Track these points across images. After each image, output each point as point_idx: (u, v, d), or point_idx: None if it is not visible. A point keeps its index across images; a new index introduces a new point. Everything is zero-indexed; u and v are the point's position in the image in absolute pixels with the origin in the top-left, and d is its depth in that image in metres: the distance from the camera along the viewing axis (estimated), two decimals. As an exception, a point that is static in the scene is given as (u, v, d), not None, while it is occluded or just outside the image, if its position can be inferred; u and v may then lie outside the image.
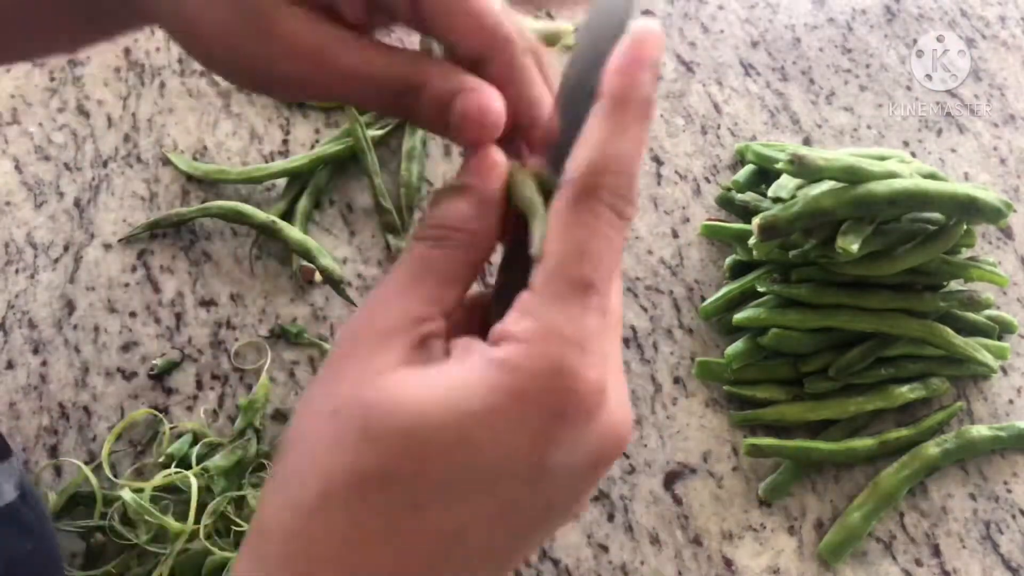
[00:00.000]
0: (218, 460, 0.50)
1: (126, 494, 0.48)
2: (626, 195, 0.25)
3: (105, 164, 0.63)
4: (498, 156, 0.27)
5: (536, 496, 0.25)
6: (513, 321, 0.24)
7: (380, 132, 0.63)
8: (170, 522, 0.48)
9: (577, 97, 0.26)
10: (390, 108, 0.30)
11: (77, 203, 0.61)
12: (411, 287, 0.26)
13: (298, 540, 0.24)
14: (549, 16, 0.67)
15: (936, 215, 0.54)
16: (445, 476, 0.23)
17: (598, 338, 0.24)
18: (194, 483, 0.48)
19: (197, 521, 0.48)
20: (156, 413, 0.53)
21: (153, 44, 0.68)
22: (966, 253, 0.58)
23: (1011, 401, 0.56)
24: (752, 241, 0.54)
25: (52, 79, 0.67)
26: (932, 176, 0.55)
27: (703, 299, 0.58)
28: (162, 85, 0.66)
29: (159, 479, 0.49)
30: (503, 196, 0.27)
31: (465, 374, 0.24)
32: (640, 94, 0.25)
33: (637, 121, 0.25)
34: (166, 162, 0.63)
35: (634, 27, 0.26)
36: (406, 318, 0.25)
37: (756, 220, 0.53)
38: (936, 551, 0.52)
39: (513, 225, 0.27)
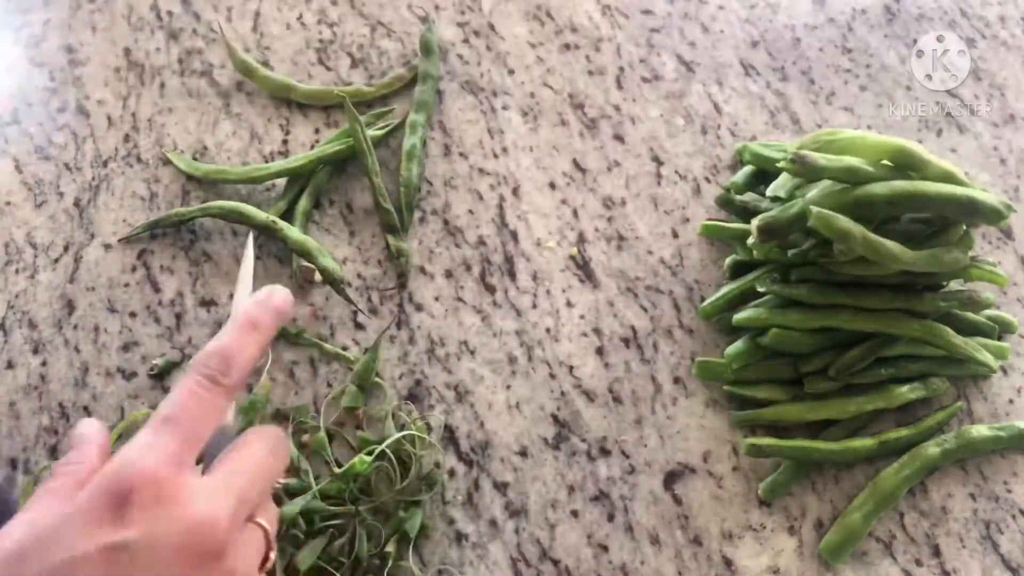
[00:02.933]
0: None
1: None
2: (220, 370, 0.35)
3: (105, 164, 0.63)
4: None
5: None
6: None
7: (380, 132, 0.63)
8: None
9: None
10: None
11: (77, 203, 0.61)
12: (60, 493, 0.34)
13: None
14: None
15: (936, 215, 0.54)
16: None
17: (165, 449, 0.32)
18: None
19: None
20: (156, 413, 0.53)
21: (153, 44, 0.68)
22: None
23: (1011, 401, 0.56)
24: (751, 241, 0.54)
25: (52, 79, 0.67)
26: (948, 175, 0.55)
27: (703, 299, 0.58)
28: (162, 85, 0.66)
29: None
30: None
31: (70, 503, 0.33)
32: (249, 319, 0.37)
33: (243, 331, 0.36)
34: (166, 162, 0.63)
35: (271, 289, 0.39)
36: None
37: (755, 221, 0.53)
38: (936, 551, 0.52)
39: None
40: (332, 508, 0.50)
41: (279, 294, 0.38)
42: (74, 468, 0.34)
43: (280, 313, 0.38)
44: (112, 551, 0.29)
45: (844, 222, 0.50)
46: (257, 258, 0.59)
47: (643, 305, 0.58)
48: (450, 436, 0.54)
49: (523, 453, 0.54)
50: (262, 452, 0.36)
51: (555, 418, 0.55)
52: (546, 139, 0.64)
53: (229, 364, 0.35)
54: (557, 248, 0.60)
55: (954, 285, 0.57)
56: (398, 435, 0.51)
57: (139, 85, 0.66)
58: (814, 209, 0.50)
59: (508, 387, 0.55)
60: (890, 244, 0.51)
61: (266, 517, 0.35)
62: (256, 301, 0.37)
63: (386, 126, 0.64)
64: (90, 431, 0.36)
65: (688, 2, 0.72)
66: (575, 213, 0.61)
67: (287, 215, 0.60)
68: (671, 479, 0.53)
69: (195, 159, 0.63)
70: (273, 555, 0.35)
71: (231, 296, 0.58)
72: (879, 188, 0.52)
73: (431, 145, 0.64)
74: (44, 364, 0.56)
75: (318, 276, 0.58)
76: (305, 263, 0.58)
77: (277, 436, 0.37)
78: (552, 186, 0.63)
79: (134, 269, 0.59)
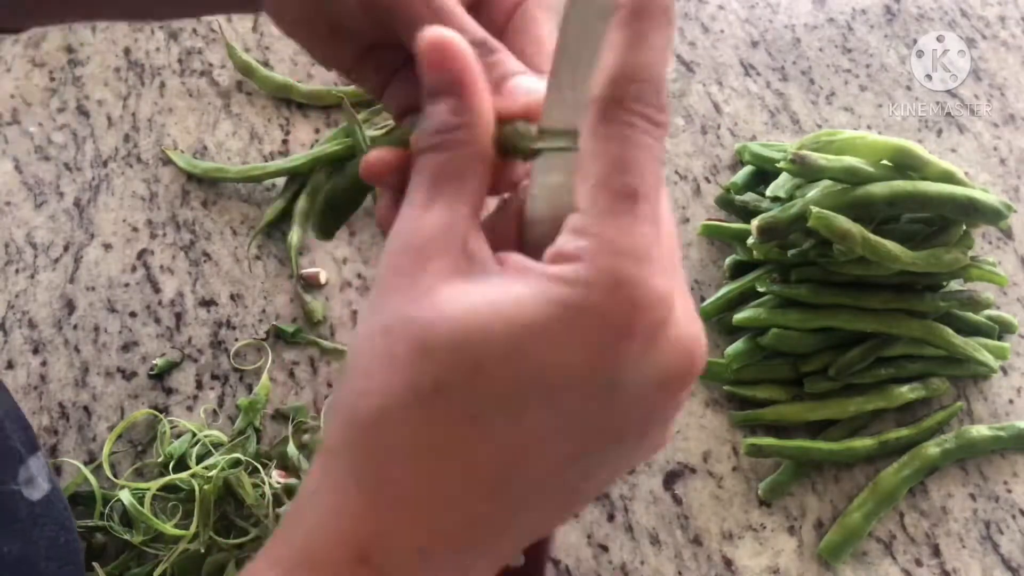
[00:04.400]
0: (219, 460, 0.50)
1: (125, 496, 0.48)
2: (656, 103, 0.24)
3: (105, 164, 0.63)
4: (452, 37, 0.26)
5: (603, 415, 0.24)
6: (564, 241, 0.23)
7: (379, 132, 0.63)
8: (165, 526, 0.48)
9: (580, 39, 0.25)
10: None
11: (77, 203, 0.61)
12: (435, 198, 0.25)
13: (363, 454, 0.24)
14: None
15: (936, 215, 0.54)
16: (502, 387, 0.23)
17: (656, 246, 0.23)
18: (197, 491, 0.48)
19: (198, 522, 0.48)
20: (156, 413, 0.53)
21: (153, 44, 0.68)
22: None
23: (1011, 401, 0.56)
24: (751, 241, 0.54)
25: (52, 79, 0.67)
26: (948, 175, 0.55)
27: (703, 299, 0.58)
28: (162, 85, 0.66)
29: (161, 482, 0.49)
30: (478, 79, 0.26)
31: (521, 288, 0.23)
32: (658, 1, 0.24)
33: (657, 29, 0.24)
34: (166, 162, 0.63)
35: None
36: (442, 229, 0.25)
37: (755, 222, 0.53)
38: (936, 551, 0.52)
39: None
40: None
41: None
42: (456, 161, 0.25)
43: None
44: (583, 388, 0.23)
45: (844, 223, 0.50)
46: (257, 258, 0.59)
47: (643, 305, 0.58)
48: (450, 436, 0.54)
49: (523, 453, 0.54)
50: (660, 154, 0.24)
51: (555, 418, 0.55)
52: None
53: (661, 93, 0.24)
54: (557, 248, 0.60)
55: (954, 285, 0.57)
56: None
57: (139, 85, 0.66)
58: (814, 209, 0.50)
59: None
60: (890, 244, 0.51)
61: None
62: None
63: (385, 126, 0.64)
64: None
65: (688, 2, 0.72)
66: (575, 213, 0.61)
67: (286, 214, 0.60)
68: (671, 479, 0.53)
69: (195, 158, 0.63)
70: None
71: (231, 296, 0.58)
72: (879, 188, 0.52)
73: (431, 145, 0.64)
74: (44, 364, 0.56)
75: (323, 278, 0.58)
76: (306, 271, 0.58)
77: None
78: (552, 186, 0.62)
79: (134, 269, 0.59)
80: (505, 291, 0.23)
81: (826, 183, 0.54)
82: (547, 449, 0.24)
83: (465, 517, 0.24)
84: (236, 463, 0.50)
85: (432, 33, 0.25)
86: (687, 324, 0.24)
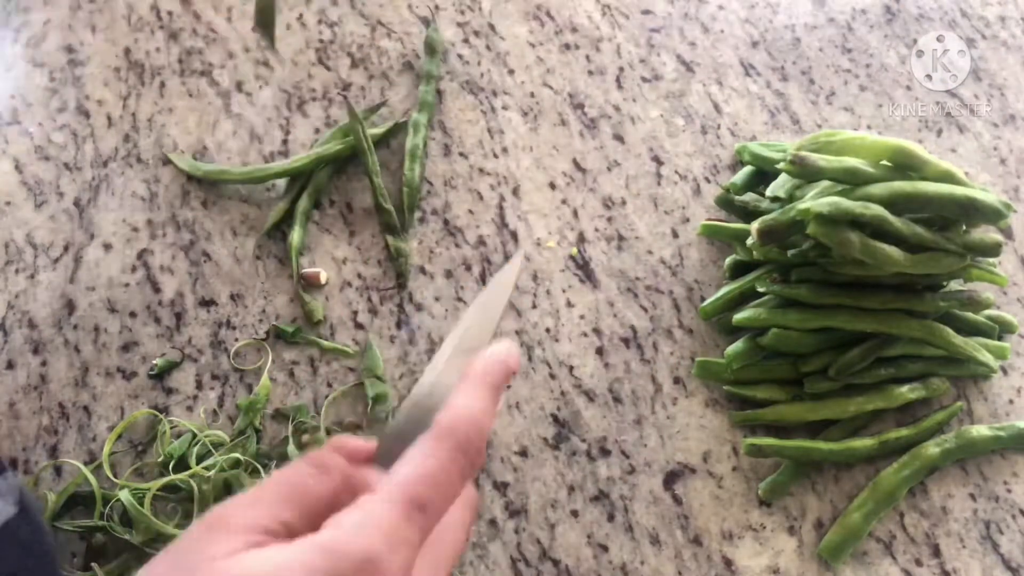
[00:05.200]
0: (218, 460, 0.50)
1: (125, 496, 0.48)
2: (477, 446, 0.29)
3: (105, 164, 0.63)
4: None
5: None
6: (345, 513, 0.27)
7: (380, 131, 0.63)
8: (165, 526, 0.48)
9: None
10: None
11: (77, 203, 0.61)
12: (275, 503, 0.28)
13: None
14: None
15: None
16: None
17: (412, 550, 0.27)
18: (196, 491, 0.48)
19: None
20: (156, 413, 0.53)
21: (153, 44, 0.68)
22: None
23: (1011, 401, 0.56)
24: (751, 242, 0.54)
25: (52, 79, 0.67)
26: (948, 175, 0.55)
27: (703, 299, 0.58)
28: (162, 85, 0.66)
29: (161, 482, 0.49)
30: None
31: (289, 553, 0.26)
32: (494, 379, 0.31)
33: (489, 393, 0.30)
34: (166, 162, 0.63)
35: (508, 345, 0.33)
36: (255, 524, 0.27)
37: (755, 225, 0.53)
38: (936, 551, 0.52)
39: None
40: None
41: (516, 354, 0.33)
42: (314, 480, 0.29)
43: (510, 375, 0.32)
44: None
45: (843, 229, 0.50)
46: (257, 258, 0.59)
47: (643, 305, 0.58)
48: (450, 436, 0.54)
49: (523, 453, 0.54)
50: (462, 533, 0.31)
51: (555, 418, 0.55)
52: (546, 139, 0.64)
53: (483, 440, 0.29)
54: (557, 248, 0.60)
55: (954, 285, 0.57)
56: (398, 435, 0.51)
57: (139, 85, 0.66)
58: (813, 213, 0.50)
59: (508, 387, 0.55)
60: (888, 248, 0.51)
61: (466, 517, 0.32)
62: (499, 361, 0.32)
63: (384, 125, 0.64)
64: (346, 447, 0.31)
65: (688, 2, 0.72)
66: (575, 213, 0.62)
67: (288, 215, 0.60)
68: (671, 479, 0.53)
69: (195, 159, 0.63)
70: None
71: (231, 296, 0.58)
72: (878, 189, 0.52)
73: (431, 145, 0.64)
74: (44, 364, 0.56)
75: (323, 278, 0.58)
76: (307, 271, 0.58)
77: (472, 500, 0.33)
78: (552, 186, 0.63)
79: (134, 269, 0.59)
80: (277, 555, 0.26)
81: (826, 184, 0.54)
82: None
83: None
84: (236, 463, 0.51)
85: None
86: None
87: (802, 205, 0.51)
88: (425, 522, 0.27)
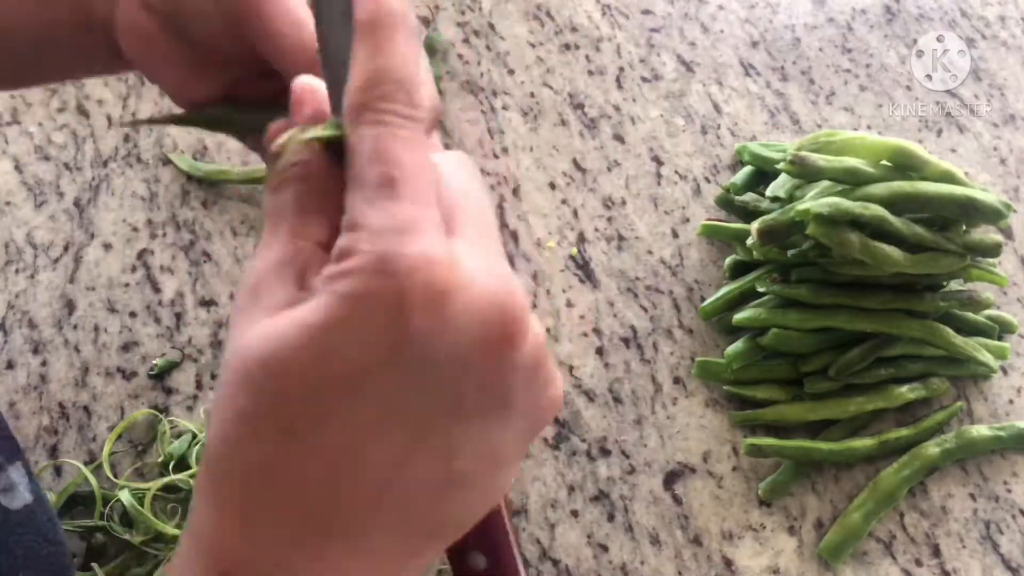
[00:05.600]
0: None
1: (125, 496, 0.48)
2: (405, 100, 0.25)
3: (105, 164, 0.63)
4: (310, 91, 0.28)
5: (426, 393, 0.24)
6: (340, 240, 0.24)
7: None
8: (165, 526, 0.48)
9: (336, 27, 0.27)
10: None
11: (77, 203, 0.61)
12: (271, 237, 0.26)
13: (212, 478, 0.25)
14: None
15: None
16: (305, 393, 0.23)
17: (421, 219, 0.23)
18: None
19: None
20: (156, 413, 0.53)
21: (153, 44, 0.68)
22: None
23: (1011, 401, 0.56)
24: (751, 242, 0.54)
25: (52, 79, 0.67)
26: (948, 175, 0.55)
27: (703, 299, 0.58)
28: (162, 85, 0.66)
29: (161, 482, 0.49)
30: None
31: (316, 296, 0.24)
32: (388, 9, 0.25)
33: (393, 37, 0.25)
34: (166, 162, 0.63)
35: None
36: (277, 265, 0.26)
37: (755, 225, 0.53)
38: (936, 551, 0.52)
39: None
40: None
41: None
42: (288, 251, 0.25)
43: None
44: (390, 371, 0.23)
45: (842, 230, 0.50)
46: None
47: (643, 305, 0.58)
48: (450, 436, 0.54)
49: (523, 453, 0.54)
50: (478, 187, 0.27)
51: (555, 418, 0.55)
52: (546, 139, 0.64)
53: (410, 90, 0.25)
54: (557, 248, 0.60)
55: (954, 285, 0.57)
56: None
57: (139, 85, 0.66)
58: (812, 213, 0.50)
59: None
60: (888, 249, 0.51)
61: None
62: None
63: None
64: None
65: (688, 2, 0.72)
66: (575, 213, 0.62)
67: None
68: (671, 479, 0.53)
69: (195, 159, 0.63)
70: None
71: (232, 296, 0.58)
72: (878, 189, 0.52)
73: (431, 145, 0.64)
74: (44, 364, 0.56)
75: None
76: None
77: (467, 159, 0.28)
78: (552, 186, 0.63)
79: (134, 269, 0.59)
80: (306, 304, 0.24)
81: (826, 184, 0.54)
82: (380, 440, 0.24)
83: (316, 526, 0.24)
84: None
85: (305, 79, 0.28)
86: (486, 279, 0.24)
87: (802, 205, 0.51)
88: (413, 191, 0.24)
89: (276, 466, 0.24)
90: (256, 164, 0.62)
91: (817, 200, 0.51)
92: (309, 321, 0.23)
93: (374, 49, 0.25)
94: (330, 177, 0.26)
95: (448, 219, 0.25)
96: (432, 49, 0.67)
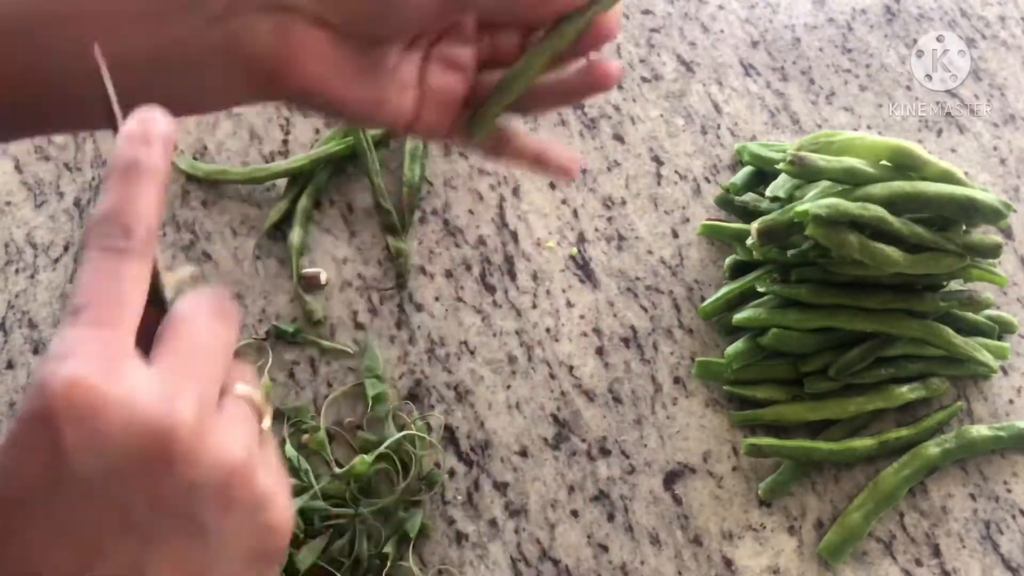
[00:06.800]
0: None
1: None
2: (116, 233, 0.27)
3: (105, 164, 0.63)
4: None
5: (88, 511, 0.25)
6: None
7: (380, 131, 0.63)
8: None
9: None
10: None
11: (77, 203, 0.61)
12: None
13: None
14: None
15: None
16: None
17: (87, 342, 0.25)
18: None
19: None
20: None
21: (153, 44, 0.68)
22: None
23: (1011, 401, 0.56)
24: (751, 242, 0.54)
25: (52, 79, 0.66)
26: (948, 175, 0.55)
27: (703, 299, 0.58)
28: (162, 85, 0.66)
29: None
30: None
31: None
32: (124, 160, 0.28)
33: (124, 180, 0.27)
34: (166, 162, 0.63)
35: (143, 111, 0.29)
36: None
37: (754, 225, 0.53)
38: (936, 551, 0.52)
39: None
40: (332, 508, 0.50)
41: (152, 118, 0.29)
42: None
43: (165, 140, 0.28)
44: (53, 489, 0.24)
45: (841, 232, 0.50)
46: (257, 258, 0.59)
47: (643, 305, 0.58)
48: (450, 436, 0.54)
49: (523, 453, 0.54)
50: (206, 320, 0.28)
51: (555, 418, 0.55)
52: (546, 139, 0.64)
53: (127, 224, 0.27)
54: (557, 248, 0.60)
55: (954, 285, 0.57)
56: (398, 435, 0.51)
57: (139, 85, 0.66)
58: (811, 214, 0.50)
59: (508, 387, 0.55)
60: (888, 249, 0.51)
61: (243, 380, 0.29)
62: (127, 136, 0.28)
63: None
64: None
65: (688, 2, 0.72)
66: (575, 213, 0.62)
67: (288, 215, 0.60)
68: (671, 479, 0.53)
69: (195, 159, 0.63)
70: (267, 420, 0.29)
71: (231, 296, 0.58)
72: (878, 189, 0.52)
73: (431, 145, 0.64)
74: (44, 364, 0.56)
75: (323, 279, 0.58)
76: (307, 271, 0.58)
77: (216, 296, 0.30)
78: (552, 186, 0.63)
79: (134, 269, 0.59)
80: None
81: (825, 184, 0.54)
82: (56, 558, 0.25)
83: None
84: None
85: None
86: (148, 400, 0.25)
87: (800, 207, 0.51)
88: (93, 315, 0.25)
89: None
90: (256, 164, 0.62)
91: (816, 201, 0.51)
92: None
93: (107, 190, 0.27)
94: None
95: (157, 343, 0.27)
96: None
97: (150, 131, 0.28)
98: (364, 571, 0.49)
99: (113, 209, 0.27)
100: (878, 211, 0.51)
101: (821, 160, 0.53)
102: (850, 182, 0.53)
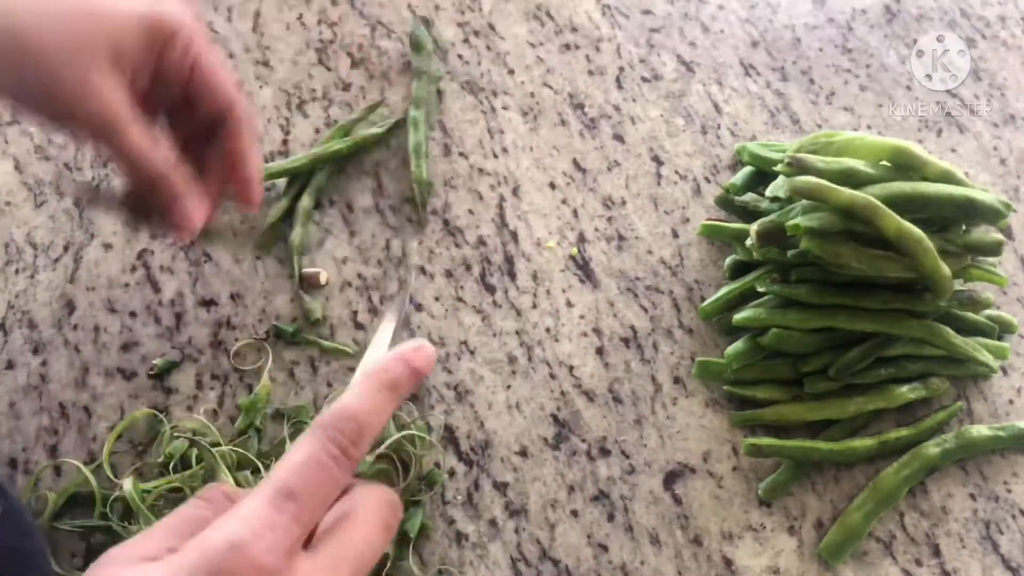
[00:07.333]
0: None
1: (127, 485, 0.48)
2: (353, 439, 0.30)
3: (105, 164, 0.63)
4: None
5: None
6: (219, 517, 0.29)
7: (381, 131, 0.63)
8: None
9: None
10: (134, 185, 0.44)
11: (77, 203, 0.61)
12: (163, 536, 0.30)
13: None
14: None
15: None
16: None
17: (281, 534, 0.28)
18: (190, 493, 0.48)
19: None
20: (156, 413, 0.53)
21: (153, 44, 0.68)
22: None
23: (1011, 401, 0.56)
24: (751, 242, 0.54)
25: (52, 79, 0.66)
26: (948, 175, 0.55)
27: (703, 299, 0.58)
28: (162, 85, 0.66)
29: (163, 482, 0.49)
30: None
31: (165, 562, 0.28)
32: (387, 376, 0.32)
33: (376, 388, 0.32)
34: (166, 162, 0.63)
35: (420, 342, 0.34)
36: (141, 554, 0.29)
37: (754, 227, 0.53)
38: (936, 551, 0.52)
39: None
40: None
41: (426, 352, 0.33)
42: (199, 511, 0.31)
43: (421, 376, 0.33)
44: None
45: (835, 244, 0.50)
46: (257, 258, 0.59)
47: (643, 305, 0.58)
48: (450, 436, 0.54)
49: (523, 453, 0.54)
50: (376, 529, 0.31)
51: (555, 418, 0.55)
52: (546, 139, 0.64)
53: (362, 433, 0.30)
54: (557, 248, 0.60)
55: (954, 285, 0.57)
56: (398, 435, 0.51)
57: (139, 85, 0.66)
58: (803, 228, 0.50)
59: (508, 387, 0.55)
60: (883, 255, 0.51)
61: None
62: (401, 357, 0.33)
63: (386, 124, 0.64)
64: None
65: (688, 2, 0.72)
66: (575, 213, 0.62)
67: (287, 215, 0.60)
68: (671, 479, 0.53)
69: (195, 159, 0.63)
70: None
71: (231, 296, 0.58)
72: (877, 190, 0.52)
73: (431, 145, 0.64)
74: (44, 364, 0.56)
75: (323, 279, 0.58)
76: (308, 270, 0.58)
77: (392, 505, 0.32)
78: (552, 186, 0.63)
79: (134, 269, 0.59)
80: (159, 563, 0.28)
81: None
82: None
83: None
84: (239, 464, 0.51)
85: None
86: None
87: (792, 221, 0.51)
88: (297, 509, 0.28)
89: None
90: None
91: (808, 214, 0.51)
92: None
93: (361, 392, 0.31)
94: None
95: (320, 534, 0.30)
96: (418, 46, 0.67)
97: (421, 367, 0.33)
98: (364, 571, 0.49)
99: (360, 413, 0.31)
100: (868, 200, 0.51)
101: (820, 162, 0.53)
102: (849, 183, 0.53)
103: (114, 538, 0.49)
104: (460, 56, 0.68)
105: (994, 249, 0.55)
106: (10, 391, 0.55)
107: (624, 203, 0.62)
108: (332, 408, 0.31)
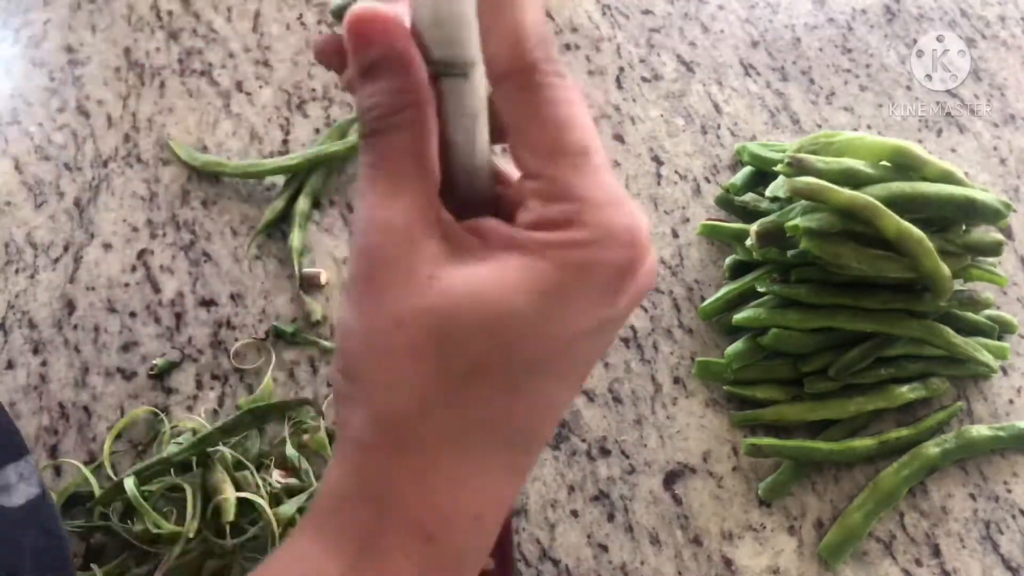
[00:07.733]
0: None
1: (128, 484, 0.48)
2: (555, 58, 0.25)
3: (105, 164, 0.63)
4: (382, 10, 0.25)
5: (604, 345, 0.27)
6: (544, 209, 0.25)
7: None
8: (165, 523, 0.47)
9: None
10: None
11: (77, 203, 0.61)
12: (398, 183, 0.25)
13: (409, 443, 0.25)
14: None
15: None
16: (535, 355, 0.24)
17: (620, 188, 0.25)
18: (189, 492, 0.48)
19: (199, 520, 0.47)
20: (156, 412, 0.53)
21: (153, 44, 0.68)
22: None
23: (1011, 401, 0.56)
24: (751, 242, 0.54)
25: (52, 79, 0.67)
26: (948, 175, 0.55)
27: (703, 299, 0.58)
28: (162, 85, 0.66)
29: (164, 483, 0.49)
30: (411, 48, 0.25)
31: (528, 262, 0.24)
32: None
33: None
34: (166, 162, 0.63)
35: None
36: (419, 215, 0.25)
37: (754, 227, 0.53)
38: (936, 551, 0.52)
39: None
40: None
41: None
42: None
43: None
44: (605, 333, 0.26)
45: (835, 244, 0.50)
46: (257, 258, 0.59)
47: (643, 305, 0.58)
48: (450, 436, 0.54)
49: (523, 453, 0.54)
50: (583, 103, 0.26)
51: (555, 418, 0.55)
52: (546, 139, 0.64)
53: (552, 45, 0.25)
54: (557, 248, 0.60)
55: (954, 285, 0.57)
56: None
57: (139, 85, 0.66)
58: (802, 229, 0.50)
59: None
60: (882, 255, 0.51)
61: None
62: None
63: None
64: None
65: (688, 2, 0.72)
66: (575, 213, 0.61)
67: (285, 214, 0.60)
68: (671, 479, 0.53)
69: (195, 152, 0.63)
70: None
71: (231, 296, 0.58)
72: (877, 190, 0.52)
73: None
74: (44, 364, 0.56)
75: (323, 279, 0.58)
76: (307, 270, 0.58)
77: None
78: (552, 186, 0.62)
79: (134, 269, 0.59)
80: (512, 267, 0.24)
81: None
82: (573, 390, 0.28)
83: (510, 474, 0.26)
84: (239, 464, 0.50)
85: (362, 8, 0.24)
86: (652, 247, 0.26)
87: (791, 221, 0.51)
88: (604, 158, 0.25)
89: (496, 423, 0.25)
90: (255, 160, 0.62)
91: (808, 215, 0.51)
92: (536, 289, 0.24)
93: (517, 6, 0.24)
94: (433, 119, 0.26)
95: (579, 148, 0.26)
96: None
97: None
98: (364, 571, 0.49)
99: (536, 26, 0.24)
100: (868, 200, 0.51)
101: (819, 162, 0.53)
102: (849, 183, 0.53)
103: (114, 539, 0.49)
104: (460, 56, 0.68)
105: (994, 249, 0.55)
106: (10, 391, 0.55)
107: (624, 203, 0.62)
108: (514, 39, 0.24)
